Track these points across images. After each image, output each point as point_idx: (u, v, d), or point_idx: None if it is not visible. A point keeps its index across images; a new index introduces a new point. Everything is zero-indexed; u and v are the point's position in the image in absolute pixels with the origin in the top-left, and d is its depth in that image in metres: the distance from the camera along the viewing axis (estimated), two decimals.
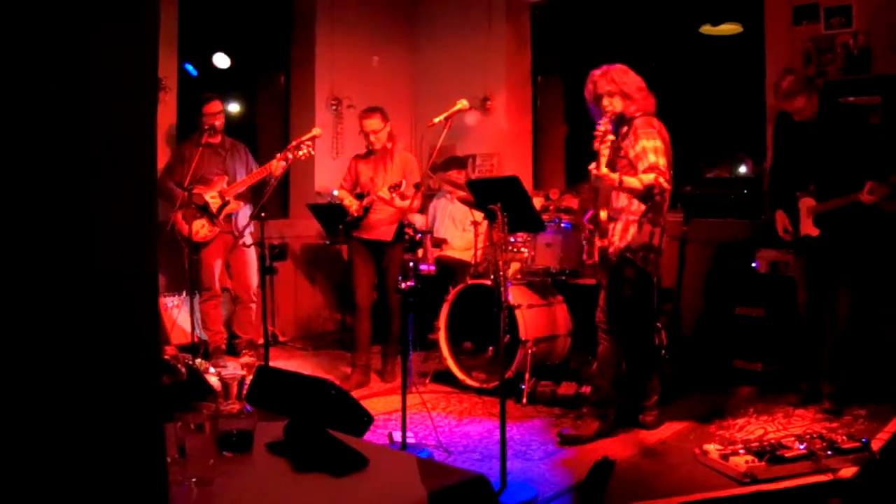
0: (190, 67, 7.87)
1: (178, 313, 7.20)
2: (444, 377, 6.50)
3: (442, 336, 6.41)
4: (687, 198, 7.09)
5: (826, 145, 5.43)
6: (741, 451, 4.41)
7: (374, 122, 6.62)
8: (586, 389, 5.53)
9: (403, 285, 4.91)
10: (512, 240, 6.32)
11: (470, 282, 6.42)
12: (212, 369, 6.58)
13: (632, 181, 4.82)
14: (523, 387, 5.88)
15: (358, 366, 6.59)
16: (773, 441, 4.54)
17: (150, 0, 1.47)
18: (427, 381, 6.55)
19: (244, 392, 3.54)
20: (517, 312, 6.01)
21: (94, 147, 1.38)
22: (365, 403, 3.97)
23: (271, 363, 5.75)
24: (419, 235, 7.25)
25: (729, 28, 7.83)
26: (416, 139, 9.42)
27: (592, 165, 4.73)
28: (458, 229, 7.87)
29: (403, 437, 4.69)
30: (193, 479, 2.09)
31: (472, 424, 5.49)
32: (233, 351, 7.21)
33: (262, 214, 5.98)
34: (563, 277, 6.54)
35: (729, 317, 6.62)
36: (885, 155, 5.61)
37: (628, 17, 8.40)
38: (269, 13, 9.00)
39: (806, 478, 4.22)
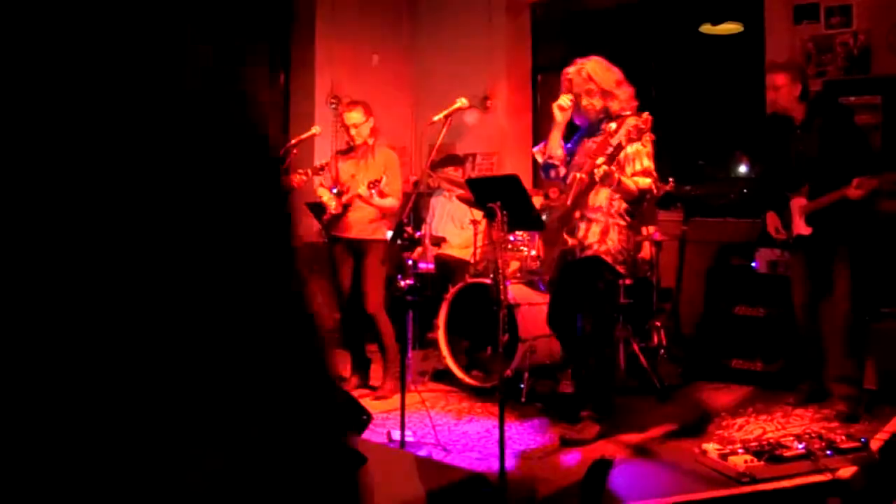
0: None
1: None
2: (443, 376, 6.49)
3: (441, 335, 6.39)
4: (687, 197, 7.08)
5: (813, 145, 5.43)
6: (740, 451, 4.41)
7: (354, 116, 6.34)
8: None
9: (402, 283, 4.90)
10: (511, 238, 6.30)
11: (469, 280, 6.41)
12: None
13: (628, 183, 4.80)
14: (522, 386, 5.87)
15: (356, 367, 6.54)
16: (771, 440, 4.54)
17: None
18: (426, 379, 6.54)
19: None
20: (516, 311, 6.00)
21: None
22: (363, 402, 3.97)
23: None
24: (418, 234, 7.21)
25: (729, 27, 7.83)
26: (416, 137, 9.42)
27: (601, 160, 4.70)
28: (456, 227, 7.85)
29: (402, 435, 4.69)
30: None
31: (471, 423, 5.49)
32: None
33: None
34: None
35: (728, 316, 6.62)
36: (870, 153, 5.62)
37: (629, 16, 8.39)
38: (268, 10, 8.98)
39: (805, 477, 4.21)
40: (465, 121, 8.61)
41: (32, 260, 0.63)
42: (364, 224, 6.28)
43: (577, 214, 5.02)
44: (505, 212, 4.46)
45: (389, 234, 5.91)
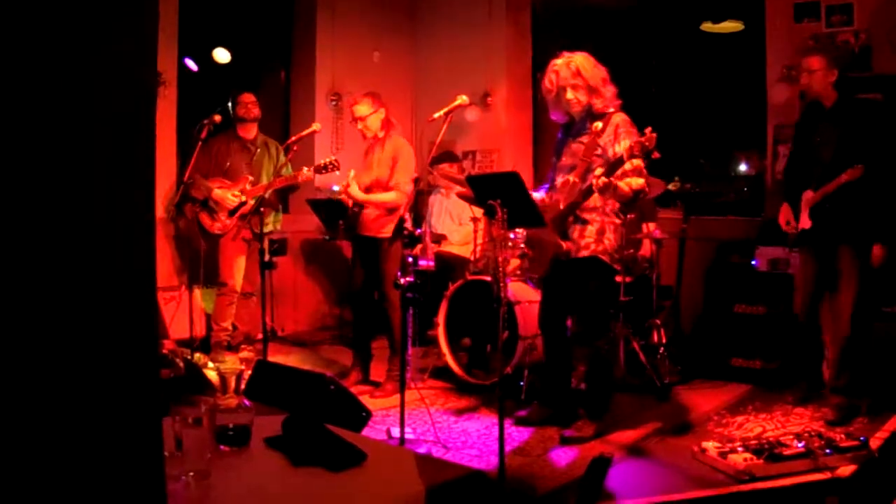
0: (190, 62, 7.86)
1: (176, 307, 7.20)
2: (443, 373, 6.49)
3: (441, 332, 6.39)
4: (687, 195, 7.09)
5: (832, 136, 5.35)
6: (740, 449, 4.42)
7: (361, 108, 6.20)
8: (584, 386, 5.51)
9: (403, 281, 4.90)
10: (512, 236, 6.29)
11: (469, 277, 6.41)
12: (211, 364, 6.58)
13: (623, 186, 4.78)
14: (522, 383, 5.87)
15: (357, 363, 6.51)
16: (771, 439, 4.54)
17: None
18: (426, 376, 6.54)
19: (242, 386, 3.54)
20: (516, 308, 6.00)
21: (92, 142, 1.38)
22: (363, 399, 3.97)
23: (270, 358, 5.74)
24: (418, 231, 7.19)
25: (730, 25, 7.83)
26: (416, 134, 9.42)
27: (599, 171, 4.69)
28: (454, 223, 7.86)
29: (402, 432, 4.69)
30: (191, 473, 2.09)
31: (470, 420, 5.49)
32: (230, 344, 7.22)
33: (261, 210, 5.96)
34: None
35: (728, 314, 6.63)
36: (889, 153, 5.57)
37: (629, 14, 8.39)
38: (269, 8, 8.99)
39: (804, 476, 4.21)
40: (465, 118, 8.61)
41: None
42: (371, 221, 6.20)
43: (571, 217, 5.02)
44: (505, 209, 4.46)
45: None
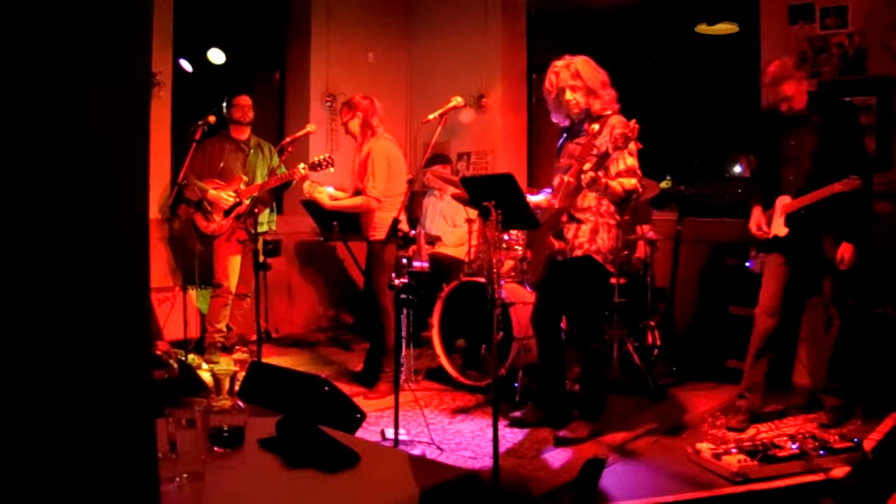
0: (185, 63, 7.86)
1: (171, 308, 7.19)
2: (438, 374, 6.50)
3: (435, 333, 6.39)
4: (681, 197, 7.09)
5: (809, 140, 5.25)
6: (733, 451, 4.42)
7: (343, 115, 6.35)
8: (578, 388, 5.51)
9: (397, 282, 4.90)
10: (506, 237, 6.30)
11: (463, 279, 6.41)
12: (205, 365, 6.58)
13: (615, 185, 4.80)
14: (516, 385, 5.87)
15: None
16: (765, 440, 4.55)
17: None
18: (420, 378, 6.54)
19: (236, 388, 3.53)
20: (511, 310, 6.00)
21: (86, 142, 1.38)
22: (357, 400, 3.97)
23: (264, 359, 5.74)
24: (413, 232, 7.18)
25: (725, 27, 7.83)
26: (411, 136, 9.42)
27: (588, 166, 4.70)
28: (448, 225, 7.86)
29: (396, 434, 4.69)
30: (185, 475, 2.08)
31: (464, 422, 5.49)
32: (224, 346, 7.21)
33: (256, 210, 5.95)
34: None
35: (722, 316, 6.63)
36: (866, 155, 5.52)
37: (624, 16, 8.39)
38: (264, 9, 8.99)
39: (798, 477, 4.22)
40: (460, 119, 8.62)
41: None
42: (363, 222, 6.29)
43: (565, 217, 5.02)
44: (499, 210, 4.46)
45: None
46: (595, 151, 4.91)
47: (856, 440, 4.49)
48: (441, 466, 2.58)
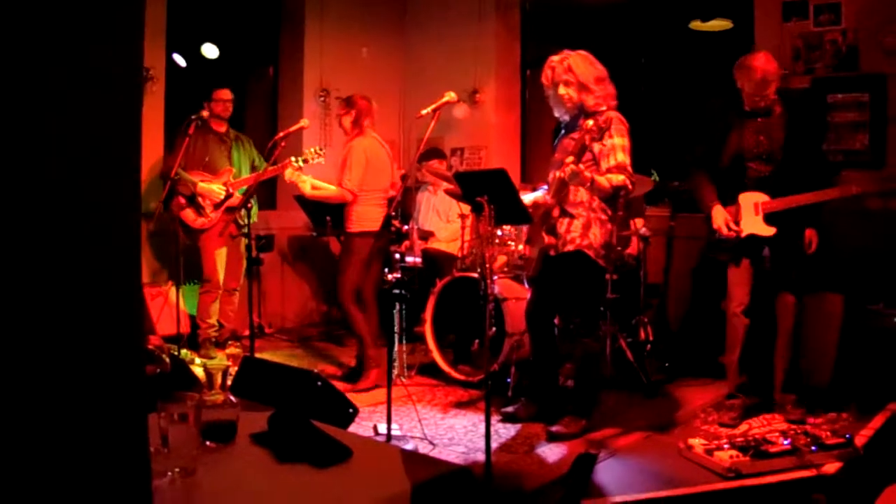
0: (178, 58, 7.84)
1: (163, 303, 7.17)
2: (430, 370, 6.50)
3: (428, 328, 6.39)
4: (674, 193, 7.09)
5: (775, 134, 5.21)
6: (726, 447, 4.43)
7: (340, 110, 6.53)
8: (571, 383, 5.52)
9: (390, 277, 4.90)
10: (499, 233, 6.30)
11: (456, 274, 6.41)
12: (197, 360, 6.57)
13: (602, 180, 4.78)
14: (509, 380, 5.87)
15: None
16: (757, 436, 4.55)
17: None
18: (413, 373, 6.54)
19: (229, 383, 3.53)
20: (504, 305, 6.00)
21: (78, 137, 1.37)
22: (350, 395, 3.97)
23: (256, 354, 5.74)
24: (405, 227, 7.18)
25: (719, 24, 7.83)
26: (404, 131, 9.42)
27: (570, 159, 4.70)
28: (441, 220, 7.86)
29: (388, 429, 4.69)
30: (176, 470, 2.08)
31: (457, 417, 5.49)
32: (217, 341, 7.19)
33: (249, 205, 5.94)
34: None
35: (715, 312, 6.62)
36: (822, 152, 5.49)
37: (618, 12, 8.39)
38: (258, 3, 8.97)
39: (790, 473, 4.23)
40: (453, 115, 8.61)
41: None
42: (344, 217, 6.38)
43: (556, 212, 5.02)
44: (492, 206, 4.46)
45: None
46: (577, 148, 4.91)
47: (847, 436, 4.50)
48: (433, 461, 2.58)
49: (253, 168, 7.14)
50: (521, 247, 6.33)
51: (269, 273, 8.25)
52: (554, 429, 5.05)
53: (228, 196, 6.79)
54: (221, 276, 7.03)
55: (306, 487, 2.12)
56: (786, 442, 4.40)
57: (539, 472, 4.48)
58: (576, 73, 5.02)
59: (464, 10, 9.09)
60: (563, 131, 5.30)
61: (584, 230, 4.97)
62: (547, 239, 5.05)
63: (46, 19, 1.32)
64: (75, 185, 1.37)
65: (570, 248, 4.98)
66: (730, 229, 5.30)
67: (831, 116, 6.49)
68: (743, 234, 5.28)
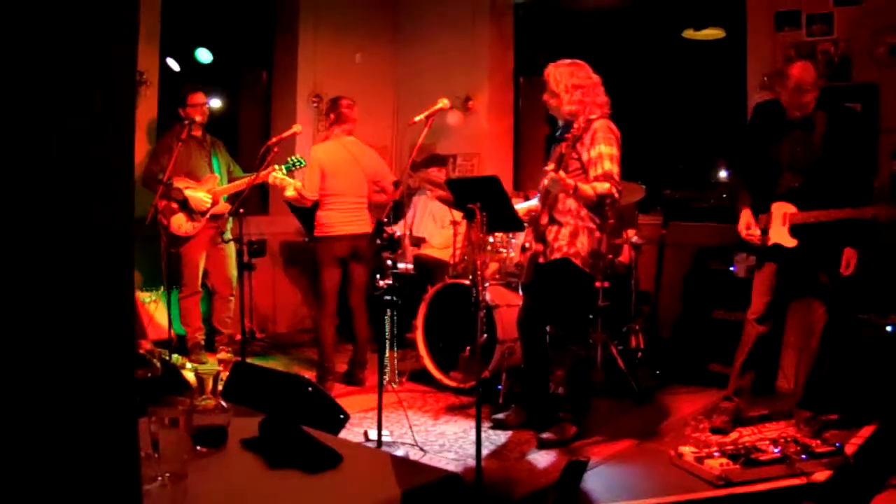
0: (172, 62, 7.83)
1: (154, 308, 7.14)
2: (421, 376, 6.49)
3: (419, 335, 6.39)
4: (666, 201, 7.11)
5: (814, 147, 5.10)
6: (716, 454, 4.44)
7: (327, 112, 6.72)
8: (562, 391, 5.52)
9: (381, 283, 4.90)
10: (491, 240, 6.30)
11: (448, 281, 6.41)
12: (188, 365, 6.56)
13: (586, 188, 4.79)
14: (500, 387, 5.87)
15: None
16: (747, 444, 4.57)
17: None
18: (404, 379, 6.54)
19: (220, 388, 3.52)
20: (495, 312, 6.00)
21: (71, 142, 1.37)
22: (341, 401, 3.96)
23: (248, 360, 5.73)
24: (397, 233, 7.16)
25: (711, 33, 7.86)
26: (397, 137, 9.42)
27: (550, 166, 4.72)
28: (437, 226, 7.86)
29: (379, 435, 4.69)
30: (167, 475, 2.08)
31: (448, 424, 5.49)
32: (213, 346, 7.17)
33: (241, 210, 5.93)
34: None
35: (706, 320, 6.65)
36: (872, 166, 5.43)
37: (611, 20, 8.41)
38: (252, 8, 8.97)
39: (780, 481, 4.24)
40: (446, 121, 8.62)
41: None
42: None
43: (545, 220, 5.02)
44: (484, 213, 4.47)
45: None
46: (575, 155, 4.92)
47: (837, 445, 4.51)
48: (423, 468, 2.58)
49: (229, 173, 7.13)
50: (513, 254, 6.34)
51: (261, 278, 8.24)
52: (544, 436, 5.06)
53: (213, 204, 6.78)
54: (199, 281, 7.01)
55: (297, 493, 2.11)
56: (776, 450, 4.41)
57: (529, 478, 4.48)
58: (561, 81, 5.06)
59: (457, 17, 9.10)
60: (555, 139, 5.32)
61: (571, 238, 4.98)
62: (535, 246, 5.06)
63: (40, 24, 1.32)
64: (68, 190, 1.37)
65: (556, 255, 4.99)
66: (750, 232, 5.28)
67: None
68: (769, 243, 5.24)
